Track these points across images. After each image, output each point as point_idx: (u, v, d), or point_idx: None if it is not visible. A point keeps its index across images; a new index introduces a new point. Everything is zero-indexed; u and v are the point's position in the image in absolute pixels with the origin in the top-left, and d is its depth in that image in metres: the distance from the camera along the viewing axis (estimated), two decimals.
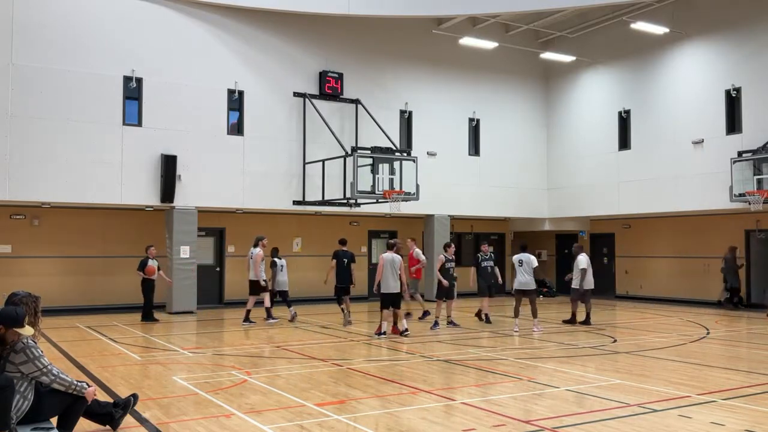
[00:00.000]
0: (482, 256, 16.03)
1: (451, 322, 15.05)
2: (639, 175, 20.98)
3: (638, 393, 8.18)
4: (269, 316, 15.88)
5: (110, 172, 17.17)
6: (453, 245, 15.34)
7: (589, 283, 14.84)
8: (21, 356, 5.70)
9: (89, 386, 6.08)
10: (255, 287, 15.76)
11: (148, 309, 16.22)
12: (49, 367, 5.80)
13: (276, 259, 16.38)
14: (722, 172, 18.23)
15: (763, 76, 18.09)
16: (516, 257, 14.82)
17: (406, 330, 13.46)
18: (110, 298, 18.69)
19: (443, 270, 14.69)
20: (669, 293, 21.90)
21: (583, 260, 15.53)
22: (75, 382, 5.96)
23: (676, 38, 20.08)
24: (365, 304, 20.57)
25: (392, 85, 21.38)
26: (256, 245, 15.87)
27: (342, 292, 15.75)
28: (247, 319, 15.58)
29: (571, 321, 15.63)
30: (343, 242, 16.27)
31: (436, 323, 14.80)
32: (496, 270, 15.98)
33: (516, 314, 14.60)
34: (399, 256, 13.39)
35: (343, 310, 15.52)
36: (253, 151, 19.05)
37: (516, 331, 14.08)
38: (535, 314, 14.47)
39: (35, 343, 5.85)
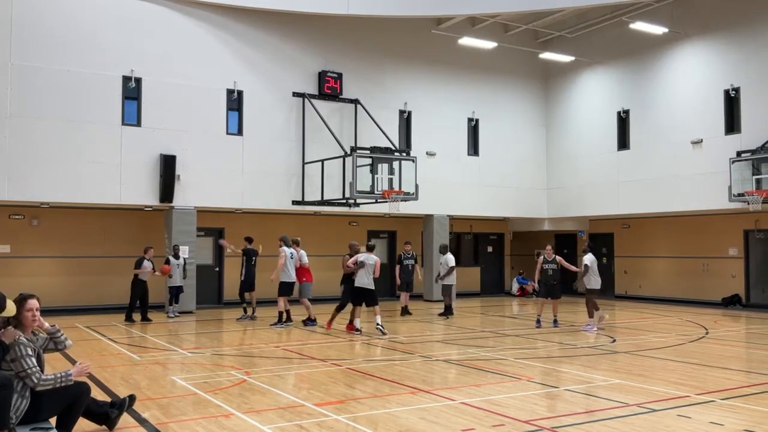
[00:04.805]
0: (405, 254, 17.81)
1: (555, 321, 15.29)
2: (638, 175, 20.98)
3: (638, 393, 8.18)
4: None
5: (109, 172, 17.15)
6: (550, 246, 15.92)
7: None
8: (11, 353, 5.66)
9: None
10: (287, 288, 15.25)
11: (132, 309, 16.15)
12: (32, 369, 5.68)
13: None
14: (721, 172, 18.23)
15: (762, 76, 18.10)
16: (593, 258, 15.16)
17: (359, 330, 13.83)
18: (110, 298, 18.64)
19: (542, 271, 15.37)
20: (668, 293, 21.91)
21: (450, 259, 17.45)
22: (59, 376, 5.85)
23: (675, 38, 20.08)
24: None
25: (392, 85, 21.37)
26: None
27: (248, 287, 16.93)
28: (279, 321, 15.19)
29: (445, 313, 17.22)
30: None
31: (538, 321, 15.30)
32: (416, 267, 17.96)
33: (593, 314, 14.93)
34: (375, 256, 13.93)
35: (249, 304, 16.71)
36: (252, 151, 19.04)
37: (600, 326, 14.60)
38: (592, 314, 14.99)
39: (28, 341, 5.82)
